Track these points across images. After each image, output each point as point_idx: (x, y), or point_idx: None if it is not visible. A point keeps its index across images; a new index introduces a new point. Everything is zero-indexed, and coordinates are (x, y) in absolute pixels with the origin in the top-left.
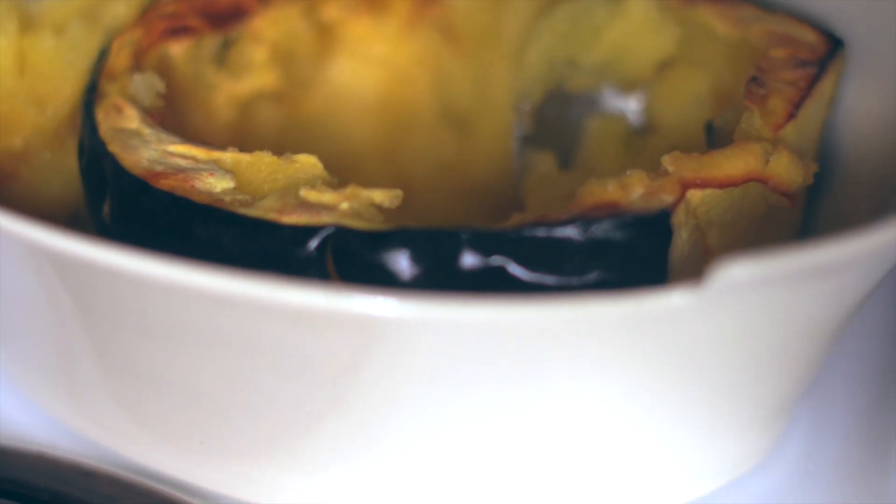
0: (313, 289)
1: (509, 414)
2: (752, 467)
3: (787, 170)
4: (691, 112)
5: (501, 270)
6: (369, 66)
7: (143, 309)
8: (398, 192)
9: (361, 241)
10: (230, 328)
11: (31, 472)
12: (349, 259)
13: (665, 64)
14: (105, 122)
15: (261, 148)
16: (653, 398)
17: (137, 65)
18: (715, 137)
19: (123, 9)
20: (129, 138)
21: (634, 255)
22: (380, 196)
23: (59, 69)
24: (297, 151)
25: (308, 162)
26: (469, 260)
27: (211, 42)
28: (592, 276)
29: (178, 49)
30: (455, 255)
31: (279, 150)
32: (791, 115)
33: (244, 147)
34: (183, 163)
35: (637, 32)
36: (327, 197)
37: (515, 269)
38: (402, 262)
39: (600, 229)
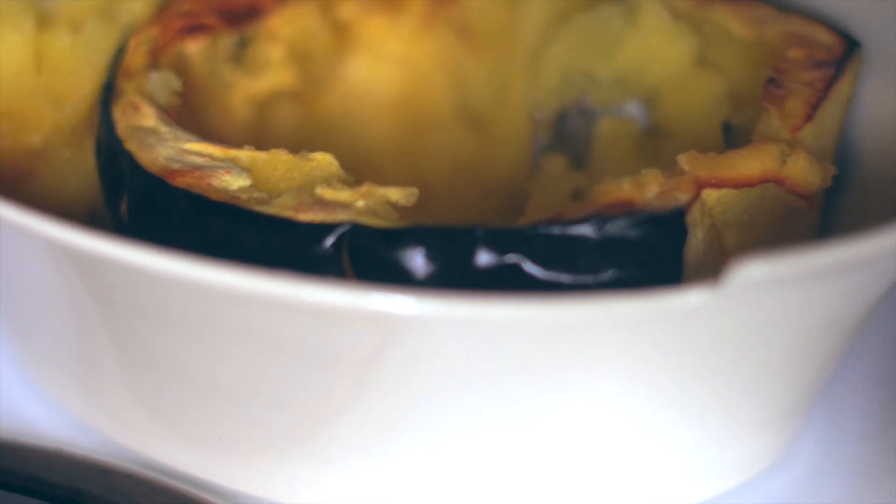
0: (332, 286)
1: (526, 411)
2: (767, 467)
3: (804, 171)
4: (705, 115)
5: (516, 268)
6: (385, 65)
7: (161, 306)
8: (414, 191)
9: (377, 239)
10: (248, 325)
11: (50, 469)
12: (365, 256)
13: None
14: (122, 120)
15: (277, 146)
16: (669, 397)
17: (154, 63)
18: (732, 138)
19: (140, 6)
20: (145, 136)
21: (649, 254)
22: (395, 194)
23: (76, 67)
24: (313, 150)
25: (324, 160)
26: (484, 258)
27: (227, 40)
28: (607, 274)
29: (194, 47)
30: (470, 253)
31: (296, 148)
32: (809, 117)
33: (261, 145)
34: (199, 161)
35: (653, 45)
36: (343, 195)
37: (530, 268)
38: (417, 260)
39: (615, 227)
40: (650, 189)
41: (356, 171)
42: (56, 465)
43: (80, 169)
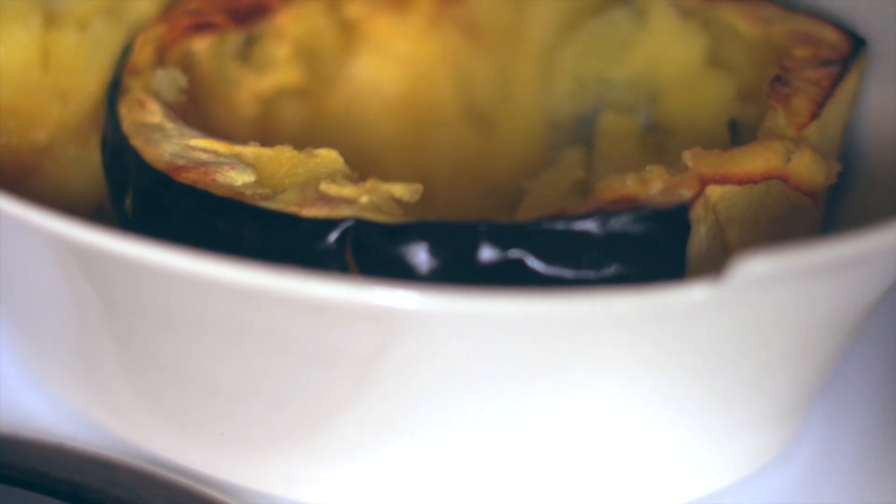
0: (335, 281)
1: (527, 409)
2: (768, 463)
3: (808, 168)
4: (711, 113)
5: (519, 264)
6: (392, 64)
7: (163, 302)
8: (418, 187)
9: (380, 234)
10: (251, 320)
11: (52, 464)
12: (368, 252)
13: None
14: (128, 116)
15: (283, 144)
16: (670, 393)
17: (160, 60)
18: (738, 136)
19: (147, 5)
20: (151, 133)
21: (652, 250)
22: (399, 190)
23: (82, 65)
24: (319, 147)
25: (329, 156)
26: (487, 253)
27: (234, 38)
28: (610, 269)
29: (201, 45)
30: (473, 249)
31: (301, 146)
32: (815, 115)
33: (267, 143)
34: (204, 157)
35: (663, 45)
36: (347, 190)
37: (533, 263)
38: (420, 255)
39: (619, 223)
40: (654, 185)
41: (361, 168)
42: (57, 460)
43: (85, 166)
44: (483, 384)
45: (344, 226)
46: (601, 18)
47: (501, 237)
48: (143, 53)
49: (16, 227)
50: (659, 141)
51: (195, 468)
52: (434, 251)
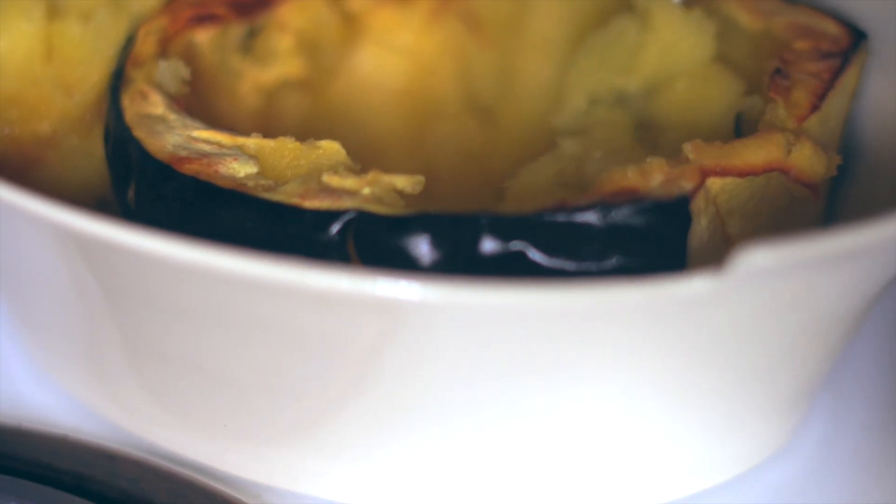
0: (337, 272)
1: (530, 399)
2: (771, 455)
3: (809, 161)
4: (714, 106)
5: (521, 256)
6: (394, 56)
7: (167, 293)
8: (420, 178)
9: (382, 226)
10: (253, 312)
11: (56, 455)
12: (370, 243)
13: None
14: (131, 107)
15: (285, 135)
16: (672, 384)
17: (163, 52)
18: (743, 129)
19: None
20: (154, 124)
21: (653, 242)
22: (401, 182)
23: (85, 56)
24: (321, 139)
25: (331, 148)
26: (489, 245)
27: (237, 30)
28: (611, 261)
29: (204, 37)
30: (475, 240)
31: (304, 137)
32: (815, 107)
33: (269, 134)
34: (207, 148)
35: (671, 42)
36: (349, 182)
37: (535, 255)
38: (422, 247)
39: (620, 215)
40: (655, 177)
41: (363, 159)
42: (61, 452)
43: (88, 157)
44: (485, 376)
45: (346, 217)
46: (606, 30)
47: (503, 229)
48: (146, 45)
49: (20, 218)
50: (653, 137)
51: (199, 460)
52: (436, 243)
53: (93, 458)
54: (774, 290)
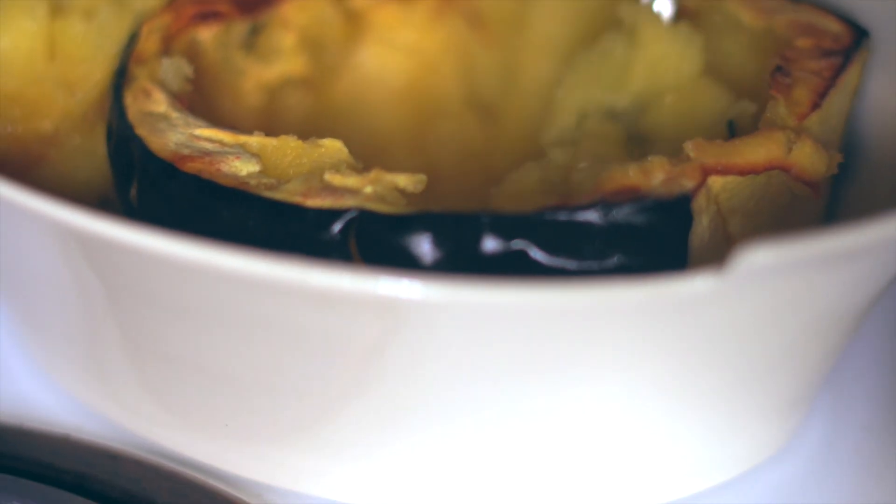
0: (339, 270)
1: (532, 397)
2: (771, 455)
3: (809, 159)
4: (704, 119)
5: (522, 254)
6: (396, 54)
7: (168, 290)
8: (422, 177)
9: (384, 225)
10: (256, 310)
11: (58, 455)
12: (372, 242)
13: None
14: (133, 105)
15: (288, 133)
16: (672, 383)
17: (166, 49)
18: (736, 135)
19: None
20: (156, 122)
21: (655, 240)
22: (403, 180)
23: (88, 53)
24: (323, 137)
25: (333, 146)
26: (490, 244)
27: (240, 28)
28: (613, 260)
29: (207, 34)
30: (476, 239)
31: (306, 135)
32: (816, 105)
33: (271, 132)
34: (209, 146)
35: (658, 57)
36: (351, 181)
37: (536, 254)
38: (424, 246)
39: (621, 213)
40: (656, 175)
41: (366, 158)
42: (63, 451)
43: (90, 155)
44: (486, 375)
45: (348, 216)
46: (594, 49)
47: (504, 228)
48: (149, 42)
49: (21, 217)
50: (644, 152)
51: (200, 459)
52: (437, 242)
53: (94, 457)
54: (776, 289)
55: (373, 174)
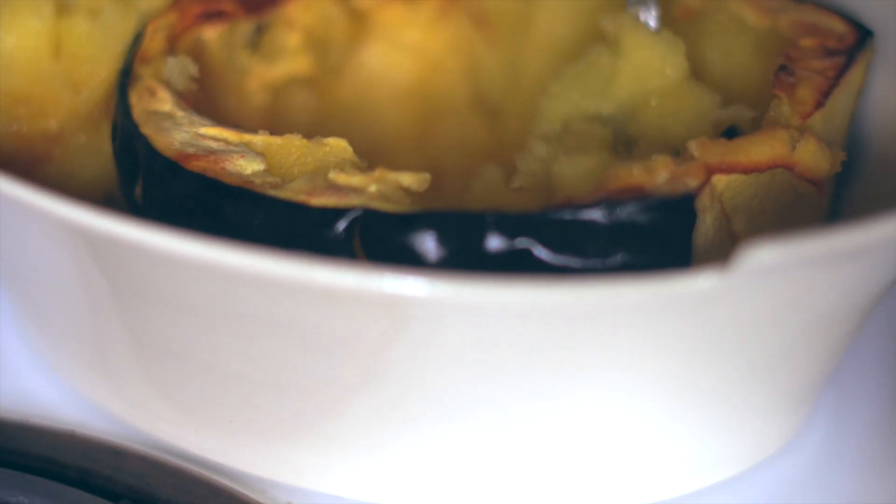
0: (344, 268)
1: (536, 394)
2: (775, 452)
3: (813, 157)
4: (687, 125)
5: (527, 253)
6: (401, 53)
7: (173, 288)
8: (426, 176)
9: (388, 223)
10: (260, 308)
11: (62, 451)
12: (376, 241)
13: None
14: (138, 104)
15: (292, 133)
16: (677, 381)
17: (171, 49)
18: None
19: None
20: (161, 121)
21: (659, 239)
22: (408, 179)
23: (93, 53)
24: (328, 136)
25: (338, 145)
26: (494, 242)
27: (245, 27)
28: (617, 258)
29: (212, 34)
30: (481, 238)
31: (311, 134)
32: (819, 104)
33: (276, 131)
34: (214, 145)
35: (641, 63)
36: (356, 179)
37: (540, 252)
38: (428, 244)
39: (625, 212)
40: (660, 174)
41: (370, 157)
42: (68, 447)
43: (95, 154)
44: (490, 372)
45: (352, 215)
46: (580, 60)
47: (508, 226)
48: (154, 41)
49: (27, 214)
50: (630, 154)
51: (205, 456)
52: (442, 240)
53: (99, 453)
54: (779, 287)
55: (377, 173)
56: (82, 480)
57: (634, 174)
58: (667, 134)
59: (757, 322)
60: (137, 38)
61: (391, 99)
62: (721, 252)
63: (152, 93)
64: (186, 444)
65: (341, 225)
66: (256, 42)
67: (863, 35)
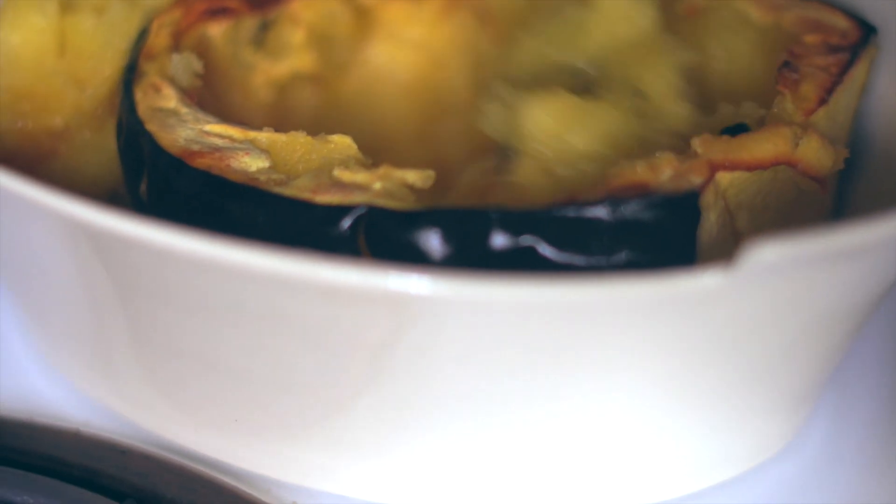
0: (348, 265)
1: (540, 392)
2: (777, 451)
3: (816, 154)
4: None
5: (531, 250)
6: (405, 49)
7: (178, 286)
8: (430, 173)
9: (393, 221)
10: (264, 306)
11: (67, 450)
12: (381, 238)
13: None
14: (143, 101)
15: (297, 129)
16: (680, 379)
17: (176, 45)
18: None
19: None
20: (166, 117)
21: (663, 236)
22: (412, 176)
23: (98, 49)
24: (333, 133)
25: (342, 142)
26: (499, 240)
27: (249, 24)
28: (621, 256)
29: (216, 30)
30: (485, 235)
31: (315, 131)
32: (823, 101)
33: (281, 128)
34: (219, 142)
35: (617, 18)
36: (360, 177)
37: (545, 249)
38: (432, 242)
39: (629, 209)
40: (664, 171)
41: (374, 153)
42: (72, 446)
43: (100, 150)
44: (494, 369)
45: (357, 212)
46: (552, 17)
47: (513, 224)
48: (159, 38)
49: (32, 211)
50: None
51: (209, 455)
52: (446, 237)
53: (103, 452)
54: (783, 285)
55: (382, 170)
56: (86, 479)
57: (638, 171)
58: (636, 82)
59: (761, 319)
60: (142, 35)
61: (395, 95)
62: (725, 250)
63: (157, 89)
64: (191, 444)
65: (346, 222)
66: (261, 39)
67: (866, 32)
